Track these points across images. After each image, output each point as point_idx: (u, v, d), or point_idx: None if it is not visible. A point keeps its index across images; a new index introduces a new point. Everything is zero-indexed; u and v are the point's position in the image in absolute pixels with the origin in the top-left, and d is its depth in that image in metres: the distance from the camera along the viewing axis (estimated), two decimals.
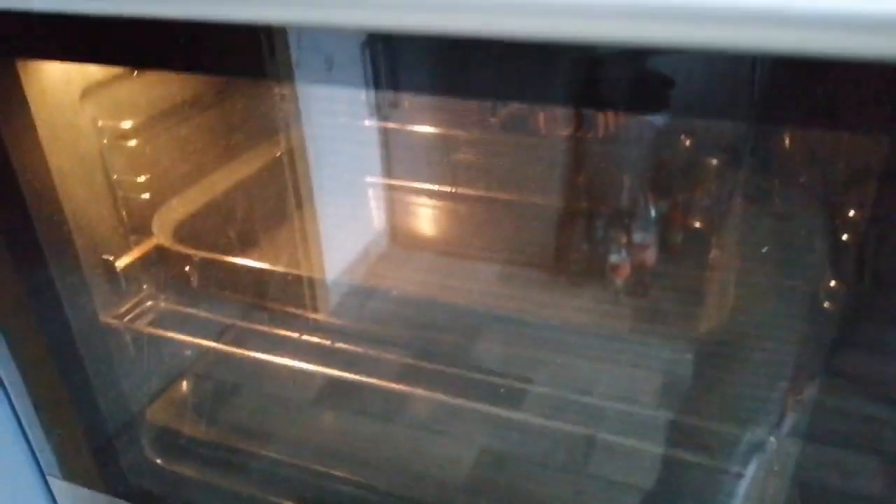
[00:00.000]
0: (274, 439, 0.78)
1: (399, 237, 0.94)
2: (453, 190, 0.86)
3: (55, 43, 0.50)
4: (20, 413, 0.72)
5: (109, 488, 0.75)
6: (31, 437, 0.74)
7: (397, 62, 0.42)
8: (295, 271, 0.84)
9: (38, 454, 0.75)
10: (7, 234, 0.59)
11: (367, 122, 0.86)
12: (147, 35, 0.46)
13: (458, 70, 0.40)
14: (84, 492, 0.76)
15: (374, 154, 0.88)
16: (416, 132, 0.85)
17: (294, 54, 0.48)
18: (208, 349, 0.80)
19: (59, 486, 0.77)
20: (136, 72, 0.67)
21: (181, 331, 0.75)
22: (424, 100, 0.82)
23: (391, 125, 0.85)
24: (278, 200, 0.84)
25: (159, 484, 0.75)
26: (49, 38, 0.50)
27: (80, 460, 0.74)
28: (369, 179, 0.92)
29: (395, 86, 0.44)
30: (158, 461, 0.76)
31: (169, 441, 0.78)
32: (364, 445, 0.76)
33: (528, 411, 0.70)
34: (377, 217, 0.94)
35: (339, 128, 0.85)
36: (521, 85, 0.39)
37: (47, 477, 0.77)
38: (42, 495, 0.78)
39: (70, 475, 0.75)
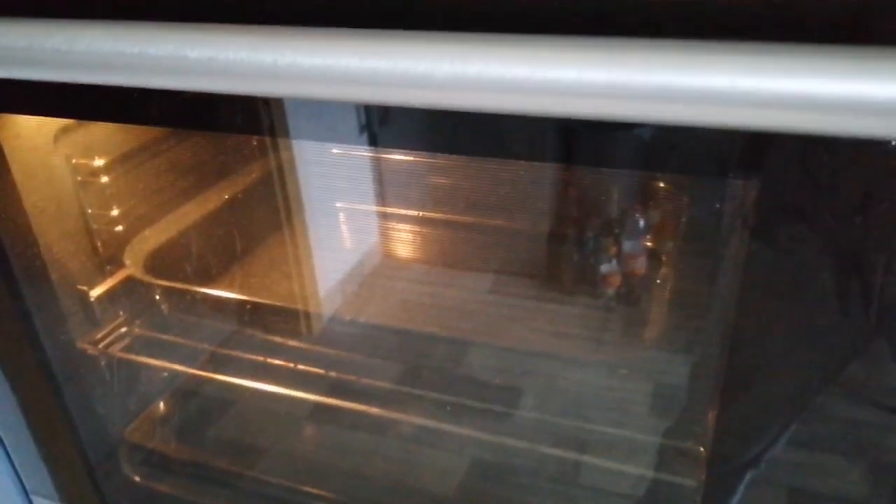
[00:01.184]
0: (260, 457, 0.81)
1: (387, 263, 0.96)
2: (441, 212, 0.88)
3: (29, 102, 0.54)
4: (3, 435, 0.75)
5: None
6: (14, 458, 0.77)
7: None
8: (272, 301, 0.87)
9: (21, 474, 0.78)
10: None
11: (353, 145, 0.88)
12: (118, 93, 0.49)
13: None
14: None
15: (360, 177, 0.90)
16: (402, 157, 0.87)
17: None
18: (183, 373, 0.83)
19: None
20: None
21: (159, 355, 0.79)
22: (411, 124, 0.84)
23: (378, 148, 0.86)
24: (257, 228, 0.88)
25: (142, 502, 0.78)
26: (23, 97, 0.54)
27: (66, 480, 0.77)
28: (354, 205, 0.94)
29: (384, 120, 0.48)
30: (139, 479, 0.79)
31: (152, 460, 0.81)
32: (351, 460, 0.78)
33: (518, 423, 0.73)
34: (363, 242, 0.96)
35: (325, 153, 0.88)
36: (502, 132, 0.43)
37: (31, 496, 0.80)
38: None
39: (57, 494, 0.78)
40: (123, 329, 0.76)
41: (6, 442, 0.76)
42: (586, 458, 0.72)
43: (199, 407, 0.86)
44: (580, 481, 0.73)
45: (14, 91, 0.53)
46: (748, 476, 0.53)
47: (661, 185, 0.74)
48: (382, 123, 0.50)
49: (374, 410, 0.77)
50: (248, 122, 0.51)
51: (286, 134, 0.52)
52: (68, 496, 0.79)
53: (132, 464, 0.80)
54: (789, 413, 0.50)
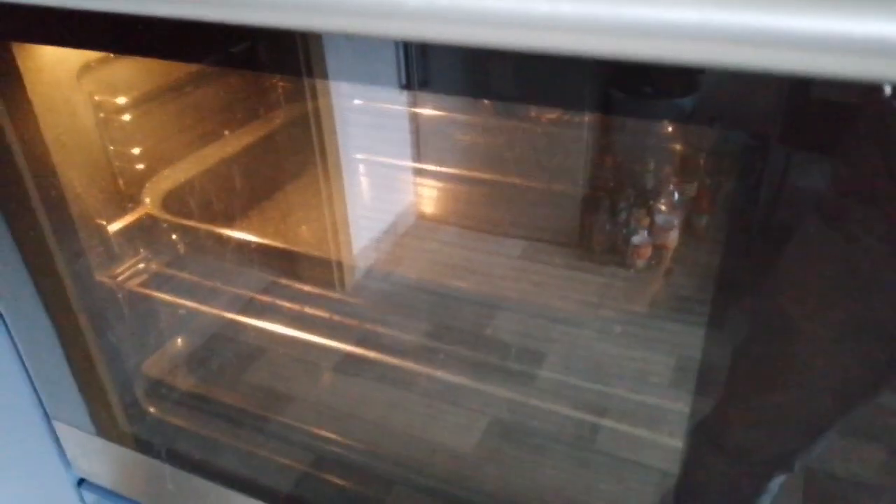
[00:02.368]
0: (278, 401, 0.82)
1: (420, 224, 0.96)
2: (478, 173, 0.87)
3: (54, 31, 0.54)
4: (27, 362, 0.78)
5: (113, 436, 0.82)
6: (36, 384, 0.80)
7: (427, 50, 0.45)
8: (292, 246, 0.87)
9: (43, 400, 0.82)
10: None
11: (389, 98, 0.85)
12: (141, 26, 0.49)
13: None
14: (82, 435, 0.83)
15: (394, 135, 0.88)
16: (440, 113, 0.85)
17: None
18: (201, 313, 0.85)
19: (63, 429, 0.84)
20: None
21: (175, 293, 0.81)
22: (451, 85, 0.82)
23: (418, 103, 0.85)
24: (282, 175, 0.88)
25: (155, 434, 0.81)
26: (47, 26, 0.54)
27: (98, 408, 0.80)
28: (383, 159, 0.93)
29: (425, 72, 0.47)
30: (153, 411, 0.82)
31: (168, 394, 0.84)
32: (372, 411, 0.79)
33: (540, 387, 0.73)
34: (396, 200, 0.95)
35: (358, 107, 0.87)
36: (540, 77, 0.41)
37: (53, 422, 0.84)
38: (47, 437, 0.85)
39: (91, 424, 0.81)
40: (141, 265, 0.78)
41: (29, 368, 0.79)
42: (604, 423, 0.72)
43: (216, 348, 0.88)
44: (596, 446, 0.73)
45: (35, 20, 0.53)
46: (779, 478, 0.52)
47: (698, 157, 0.72)
48: (423, 84, 0.49)
49: (398, 365, 0.78)
50: (283, 68, 0.50)
51: (321, 85, 0.51)
52: (96, 423, 0.81)
53: (148, 396, 0.83)
54: (817, 417, 0.48)
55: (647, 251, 0.80)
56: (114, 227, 0.74)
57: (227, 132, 0.84)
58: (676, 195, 0.78)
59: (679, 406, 0.66)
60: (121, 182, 0.74)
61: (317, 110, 0.81)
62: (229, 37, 0.48)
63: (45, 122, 0.63)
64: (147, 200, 0.76)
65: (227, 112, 0.84)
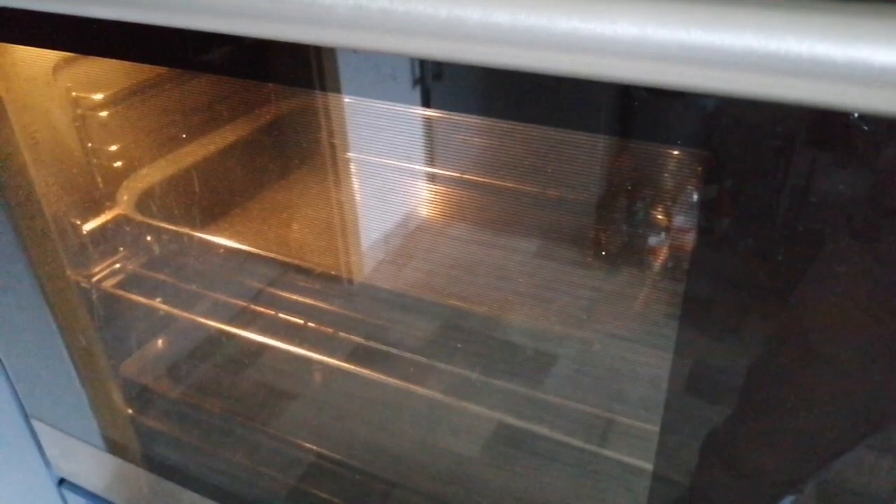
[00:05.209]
0: (266, 405, 0.80)
1: (425, 219, 0.93)
2: (486, 177, 0.84)
3: (28, 33, 0.53)
4: (4, 358, 0.78)
5: (89, 437, 0.81)
6: (15, 382, 0.79)
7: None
8: (293, 245, 0.85)
9: (22, 398, 0.81)
10: None
11: (401, 96, 0.83)
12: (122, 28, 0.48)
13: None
14: (60, 435, 0.82)
15: (403, 130, 0.86)
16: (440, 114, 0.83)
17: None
18: (183, 313, 0.83)
19: (41, 428, 0.83)
20: None
21: (162, 295, 0.79)
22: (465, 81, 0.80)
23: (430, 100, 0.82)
24: (269, 175, 0.86)
25: (137, 438, 0.80)
26: (22, 27, 0.53)
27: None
28: (372, 157, 0.91)
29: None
30: (130, 412, 0.81)
31: (145, 396, 0.82)
32: (375, 415, 0.77)
33: (548, 390, 0.72)
34: (405, 197, 0.93)
35: (366, 105, 0.84)
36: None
37: (31, 420, 0.83)
38: (27, 435, 0.84)
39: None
40: (118, 265, 0.77)
41: (7, 367, 0.78)
42: (612, 431, 0.71)
43: (201, 350, 0.87)
44: (605, 454, 0.72)
45: (13, 20, 0.52)
46: (787, 499, 0.51)
47: (718, 156, 0.70)
48: (436, 78, 0.47)
49: (402, 367, 0.76)
50: (286, 69, 0.49)
51: (329, 79, 0.50)
52: (72, 423, 0.80)
53: (125, 398, 0.81)
54: (835, 442, 0.47)
55: (664, 253, 0.79)
56: (88, 226, 0.72)
57: (220, 128, 0.81)
58: (695, 196, 0.76)
59: (687, 415, 0.65)
60: (96, 180, 0.72)
61: (323, 104, 0.79)
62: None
63: (18, 118, 0.62)
64: (124, 199, 0.75)
65: (219, 107, 0.82)
